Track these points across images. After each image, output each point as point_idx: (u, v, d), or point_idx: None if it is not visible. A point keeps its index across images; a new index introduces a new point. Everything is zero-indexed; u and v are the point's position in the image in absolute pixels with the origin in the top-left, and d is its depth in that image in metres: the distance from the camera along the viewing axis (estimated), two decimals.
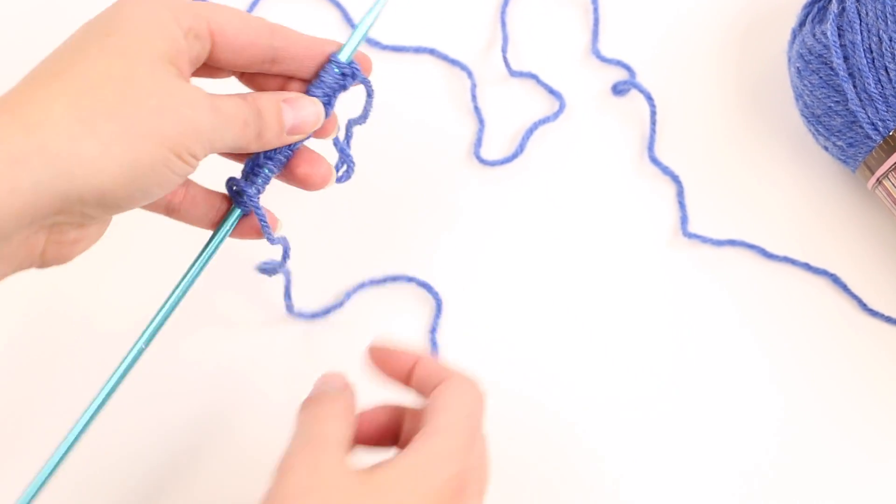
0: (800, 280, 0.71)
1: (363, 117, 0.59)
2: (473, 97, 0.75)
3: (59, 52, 0.47)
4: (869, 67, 0.64)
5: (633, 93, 0.75)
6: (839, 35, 0.65)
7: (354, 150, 0.62)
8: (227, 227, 0.55)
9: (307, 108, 0.54)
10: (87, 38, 0.47)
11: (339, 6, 0.77)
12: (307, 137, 0.55)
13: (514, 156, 0.73)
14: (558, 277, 0.71)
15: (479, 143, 0.74)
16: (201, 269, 0.55)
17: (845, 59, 0.65)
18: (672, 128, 0.75)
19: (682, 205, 0.72)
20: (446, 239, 0.72)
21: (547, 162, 0.74)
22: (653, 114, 0.74)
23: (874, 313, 0.70)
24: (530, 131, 0.74)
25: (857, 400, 0.69)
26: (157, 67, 0.47)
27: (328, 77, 0.55)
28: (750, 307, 0.71)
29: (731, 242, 0.72)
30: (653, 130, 0.74)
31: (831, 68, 0.66)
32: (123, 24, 0.47)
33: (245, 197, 0.54)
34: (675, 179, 0.73)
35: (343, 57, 0.55)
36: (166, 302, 0.54)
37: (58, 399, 0.67)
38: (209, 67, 0.53)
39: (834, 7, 0.66)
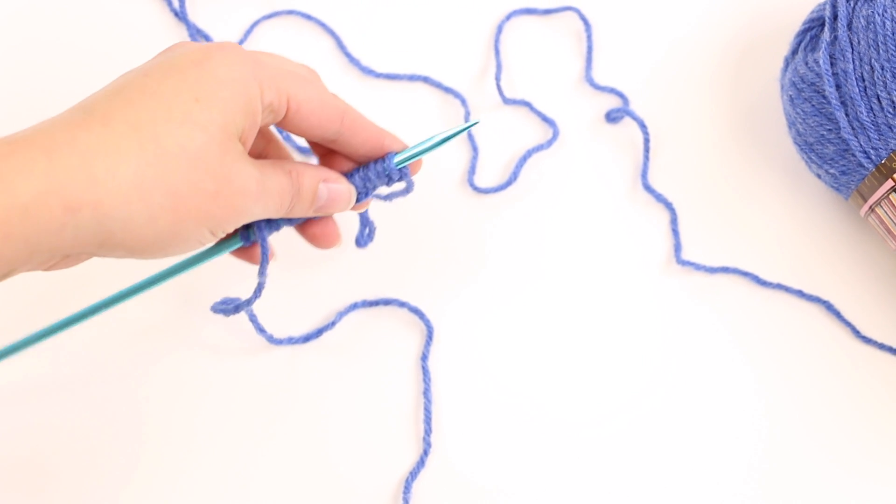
0: (793, 307, 0.71)
1: (388, 198, 0.61)
2: None
3: (143, 92, 0.48)
4: (861, 96, 0.64)
5: (627, 120, 0.75)
6: (831, 63, 0.66)
7: None
8: (222, 251, 0.56)
9: (342, 194, 0.56)
10: (178, 94, 0.48)
11: (332, 34, 0.77)
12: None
13: (508, 183, 0.73)
14: (552, 305, 0.71)
15: (472, 170, 0.74)
16: (175, 274, 0.56)
17: (837, 87, 0.65)
18: (665, 155, 0.75)
19: (675, 232, 0.72)
20: (440, 266, 0.72)
21: (540, 189, 0.74)
22: (646, 141, 0.74)
23: (868, 340, 0.70)
24: (524, 159, 0.74)
25: (850, 427, 0.69)
26: (227, 148, 0.48)
27: (373, 173, 0.56)
28: (743, 334, 0.71)
29: (725, 270, 0.72)
30: (646, 158, 0.74)
31: (823, 97, 0.66)
32: (214, 91, 0.48)
33: (254, 231, 0.55)
34: (669, 207, 0.73)
35: (398, 159, 0.57)
36: (131, 288, 0.56)
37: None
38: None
39: (826, 36, 0.66)
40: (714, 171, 0.74)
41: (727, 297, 0.71)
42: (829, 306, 0.71)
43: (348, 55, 0.76)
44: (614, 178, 0.74)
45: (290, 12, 0.77)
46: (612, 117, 0.75)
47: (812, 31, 0.69)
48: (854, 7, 0.66)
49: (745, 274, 0.71)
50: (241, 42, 0.76)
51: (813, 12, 0.70)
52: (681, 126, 0.76)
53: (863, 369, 0.70)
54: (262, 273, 0.57)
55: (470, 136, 0.74)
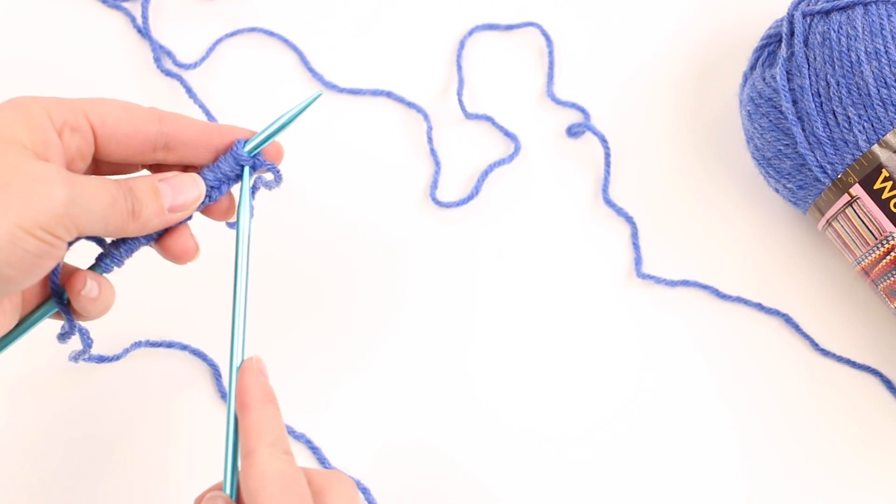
0: (752, 320, 0.72)
1: (268, 184, 0.57)
2: (430, 139, 0.75)
3: None
4: (817, 111, 0.65)
5: (588, 135, 0.76)
6: (788, 79, 0.66)
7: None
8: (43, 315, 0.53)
9: (186, 183, 0.53)
10: None
11: (296, 50, 0.77)
12: (190, 217, 0.54)
13: (470, 197, 0.74)
14: (513, 318, 0.72)
15: (435, 184, 0.74)
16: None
17: (794, 102, 0.66)
18: (626, 170, 0.75)
19: (636, 246, 0.73)
20: (402, 280, 0.72)
21: (502, 203, 0.74)
22: (607, 156, 0.74)
23: (825, 353, 0.71)
24: (486, 173, 0.74)
25: (808, 438, 0.70)
26: (8, 151, 0.46)
27: (224, 164, 0.54)
28: (703, 347, 0.71)
29: (685, 283, 0.72)
30: (607, 172, 0.74)
31: (780, 112, 0.67)
32: None
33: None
34: (630, 221, 0.74)
35: (248, 147, 0.54)
36: None
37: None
38: (108, 164, 0.53)
39: (783, 52, 0.66)
40: (674, 185, 0.75)
41: (687, 310, 0.72)
42: (787, 319, 0.72)
43: (311, 70, 0.76)
44: (576, 193, 0.75)
45: (253, 29, 0.77)
46: (573, 132, 0.75)
47: (769, 47, 0.70)
48: (810, 24, 0.66)
49: (705, 287, 0.72)
50: (203, 59, 0.76)
51: (770, 28, 0.70)
52: (641, 141, 0.76)
53: (820, 381, 0.71)
54: (68, 323, 0.54)
55: (432, 151, 0.75)
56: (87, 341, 0.56)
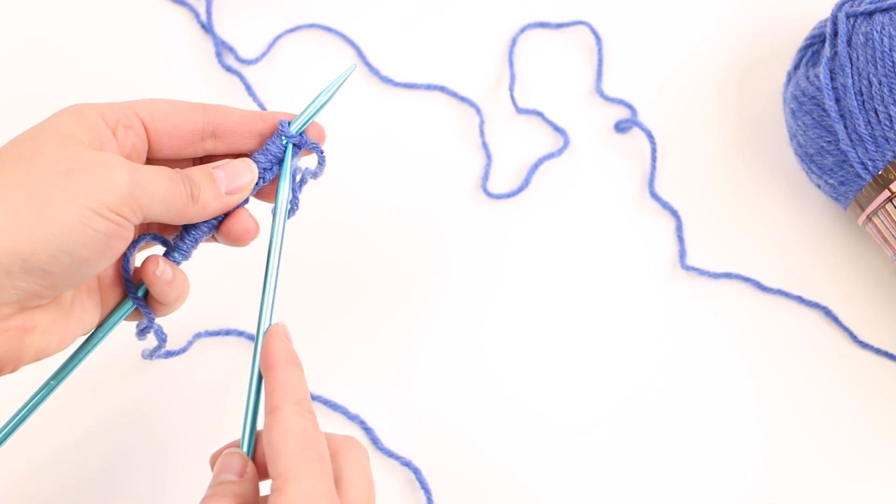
0: (793, 312, 0.73)
1: (314, 174, 0.58)
2: (481, 133, 0.77)
3: None
4: (859, 109, 0.66)
5: (635, 130, 0.77)
6: (831, 78, 0.67)
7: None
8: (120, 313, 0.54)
9: (239, 167, 0.54)
10: (11, 141, 0.49)
11: (353, 45, 0.79)
12: (247, 200, 0.56)
13: (520, 189, 0.75)
14: (560, 307, 0.73)
15: (486, 176, 0.76)
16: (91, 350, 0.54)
17: (837, 101, 0.67)
18: (672, 164, 0.77)
19: (680, 239, 0.74)
20: (453, 268, 0.74)
21: (551, 196, 0.76)
22: (653, 151, 0.76)
23: (864, 345, 0.72)
24: (535, 166, 0.76)
25: (846, 429, 0.70)
26: (68, 143, 0.48)
27: (272, 145, 0.56)
28: (744, 338, 0.72)
29: (728, 275, 0.73)
30: (653, 167, 0.76)
31: (824, 110, 0.68)
32: (46, 123, 0.50)
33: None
34: (675, 214, 0.75)
35: (293, 128, 0.56)
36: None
37: None
38: (161, 161, 0.54)
39: (826, 51, 0.68)
40: (718, 180, 0.76)
41: (729, 301, 0.73)
42: (827, 312, 0.73)
43: (368, 64, 0.78)
44: (622, 186, 0.76)
45: (312, 25, 0.79)
46: (620, 127, 0.77)
47: (813, 46, 0.71)
48: (854, 24, 0.67)
49: (747, 279, 0.73)
50: (264, 54, 0.78)
51: (814, 29, 0.71)
52: (687, 136, 0.77)
53: (859, 373, 0.71)
54: (148, 320, 0.55)
55: (484, 144, 0.76)
56: (161, 336, 0.58)
